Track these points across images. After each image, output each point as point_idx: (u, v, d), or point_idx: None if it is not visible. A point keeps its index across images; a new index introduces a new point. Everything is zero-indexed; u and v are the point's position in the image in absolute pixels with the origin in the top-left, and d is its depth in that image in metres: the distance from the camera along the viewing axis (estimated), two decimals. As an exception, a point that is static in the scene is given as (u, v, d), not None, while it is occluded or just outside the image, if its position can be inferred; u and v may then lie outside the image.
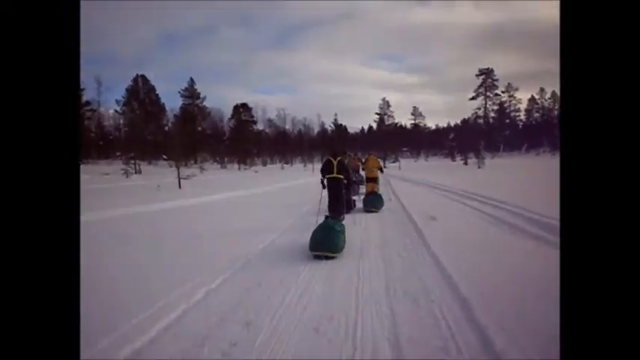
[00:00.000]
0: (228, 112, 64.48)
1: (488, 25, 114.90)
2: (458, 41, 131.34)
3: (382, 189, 11.47)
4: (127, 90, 55.36)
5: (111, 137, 47.72)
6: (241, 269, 4.42)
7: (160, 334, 2.80)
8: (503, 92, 61.92)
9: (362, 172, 12.12)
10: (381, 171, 10.82)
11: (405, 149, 68.11)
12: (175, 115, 55.83)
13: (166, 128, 48.63)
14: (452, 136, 62.04)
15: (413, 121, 73.44)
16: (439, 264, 4.28)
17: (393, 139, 64.26)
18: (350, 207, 8.94)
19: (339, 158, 7.94)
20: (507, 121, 62.58)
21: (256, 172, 46.61)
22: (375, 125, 73.32)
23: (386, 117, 68.24)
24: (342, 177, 7.76)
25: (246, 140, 61.00)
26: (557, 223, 5.58)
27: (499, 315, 2.86)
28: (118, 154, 40.18)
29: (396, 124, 71.30)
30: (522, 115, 67.38)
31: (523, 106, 66.60)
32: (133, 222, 8.41)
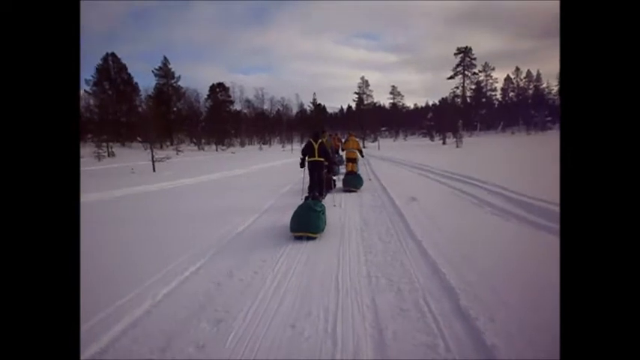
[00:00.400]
0: (204, 92, 62.76)
1: (466, 3, 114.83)
2: (435, 19, 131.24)
3: (362, 169, 11.54)
4: (96, 69, 52.81)
5: (81, 118, 45.57)
6: (217, 256, 4.16)
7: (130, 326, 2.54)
8: (480, 72, 62.29)
9: (342, 153, 11.95)
10: (361, 154, 10.68)
11: (383, 129, 68.13)
12: (149, 96, 53.89)
13: (140, 109, 46.73)
14: (430, 115, 62.31)
15: (392, 101, 73.29)
16: (421, 248, 4.13)
17: (372, 118, 64.05)
18: (330, 187, 9.06)
19: (320, 140, 7.92)
20: (484, 100, 63.16)
21: (233, 153, 45.85)
22: (354, 105, 72.78)
23: (365, 96, 67.60)
24: (322, 159, 7.81)
25: (224, 121, 59.73)
26: (537, 202, 5.51)
27: (489, 306, 2.72)
28: (89, 136, 38.44)
29: (375, 103, 70.96)
30: (498, 95, 68.19)
31: (499, 85, 67.38)
32: (103, 207, 7.94)
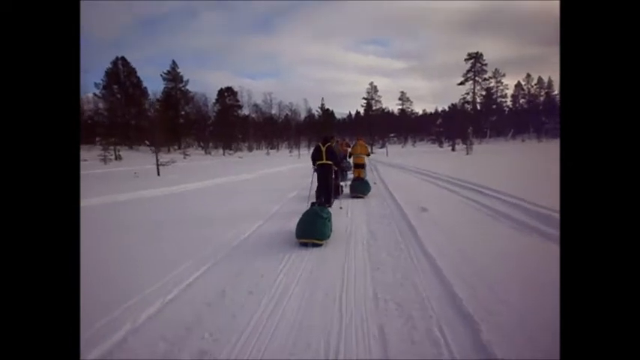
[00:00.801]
0: (212, 96, 62.86)
1: (475, 10, 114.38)
2: (443, 26, 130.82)
3: (369, 175, 11.54)
4: (106, 73, 53.02)
5: (90, 122, 45.62)
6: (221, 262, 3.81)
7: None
8: (490, 78, 61.57)
9: (349, 159, 11.88)
10: (367, 155, 10.85)
11: (392, 135, 67.63)
12: (157, 100, 54.04)
13: (149, 113, 46.81)
14: (439, 121, 61.75)
15: (400, 107, 72.80)
16: (435, 267, 3.75)
17: (380, 124, 63.63)
18: (338, 192, 8.93)
19: (327, 144, 7.78)
20: (494, 106, 62.39)
21: (241, 157, 45.73)
22: (362, 110, 72.38)
23: (373, 102, 67.24)
24: (330, 163, 7.66)
25: (232, 125, 59.75)
26: (555, 215, 5.08)
27: (513, 341, 2.33)
28: (97, 139, 38.50)
29: (384, 109, 70.52)
30: (509, 101, 67.32)
31: (509, 91, 66.51)
32: (96, 214, 7.65)
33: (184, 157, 39.53)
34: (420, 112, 79.62)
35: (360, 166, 10.67)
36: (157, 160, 18.04)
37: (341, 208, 7.30)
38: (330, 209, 5.80)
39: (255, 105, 68.29)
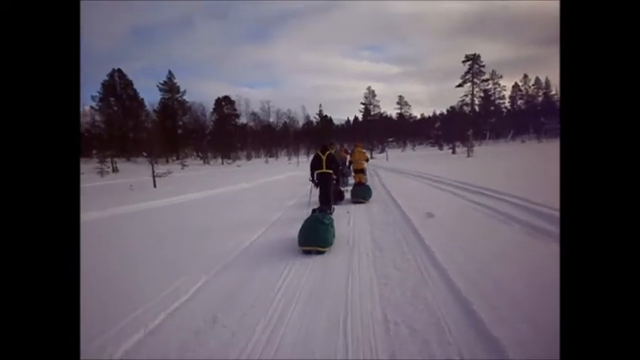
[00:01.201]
0: (210, 106, 62.67)
1: (469, 12, 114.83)
2: (437, 30, 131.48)
3: (370, 180, 11.58)
4: (102, 85, 52.91)
5: (86, 134, 45.27)
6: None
7: None
8: (487, 80, 61.43)
9: (348, 166, 11.89)
10: (366, 160, 10.92)
11: (391, 139, 67.33)
12: (154, 110, 53.90)
13: (146, 125, 46.50)
14: (438, 124, 61.53)
15: (399, 111, 72.57)
16: (447, 280, 3.39)
17: (379, 129, 63.36)
18: (339, 198, 8.96)
19: (327, 152, 7.63)
20: (492, 108, 62.13)
21: (239, 166, 45.43)
22: (360, 116, 72.14)
23: (371, 107, 67.00)
24: (331, 172, 7.52)
25: (230, 134, 59.53)
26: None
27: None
28: (94, 152, 38.16)
29: (382, 114, 70.26)
30: (507, 103, 67.06)
31: (507, 93, 66.26)
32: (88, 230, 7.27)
33: (182, 168, 39.22)
34: (419, 117, 79.55)
35: (360, 172, 10.63)
36: (154, 172, 17.67)
37: (348, 212, 7.24)
38: (332, 216, 5.67)
39: (253, 113, 68.18)
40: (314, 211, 5.40)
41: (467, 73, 48.16)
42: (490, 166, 17.48)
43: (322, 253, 4.53)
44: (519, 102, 67.39)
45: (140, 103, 55.06)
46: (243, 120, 66.29)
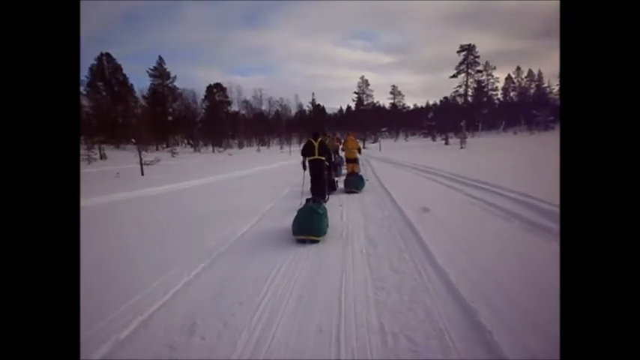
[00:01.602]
0: (201, 93, 61.76)
1: (462, 3, 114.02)
2: (429, 20, 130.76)
3: (362, 170, 11.44)
4: (90, 69, 51.58)
5: (75, 120, 44.15)
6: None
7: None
8: (481, 71, 61.27)
9: (341, 153, 11.91)
10: (359, 151, 10.69)
11: (383, 129, 67.09)
12: (143, 96, 52.90)
13: (136, 111, 45.56)
14: (431, 115, 61.37)
15: (392, 101, 72.17)
16: (446, 282, 3.16)
17: (372, 119, 63.00)
18: (332, 188, 8.93)
19: (319, 139, 7.61)
20: (485, 99, 62.09)
21: (230, 155, 44.94)
22: (353, 105, 71.67)
23: (364, 96, 66.53)
24: (323, 158, 7.50)
25: (221, 122, 58.81)
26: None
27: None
28: (82, 138, 37.39)
29: (375, 103, 69.85)
30: (499, 94, 67.05)
31: (500, 84, 66.22)
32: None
33: (172, 155, 38.62)
34: (412, 107, 79.33)
35: (352, 161, 10.53)
36: (141, 159, 17.23)
37: (340, 205, 6.96)
38: (325, 205, 5.64)
39: (245, 101, 67.50)
40: (307, 200, 5.36)
41: (461, 63, 47.97)
42: (484, 157, 17.32)
43: (316, 242, 4.57)
44: (512, 94, 67.55)
45: (129, 88, 53.90)
46: (235, 108, 65.68)
